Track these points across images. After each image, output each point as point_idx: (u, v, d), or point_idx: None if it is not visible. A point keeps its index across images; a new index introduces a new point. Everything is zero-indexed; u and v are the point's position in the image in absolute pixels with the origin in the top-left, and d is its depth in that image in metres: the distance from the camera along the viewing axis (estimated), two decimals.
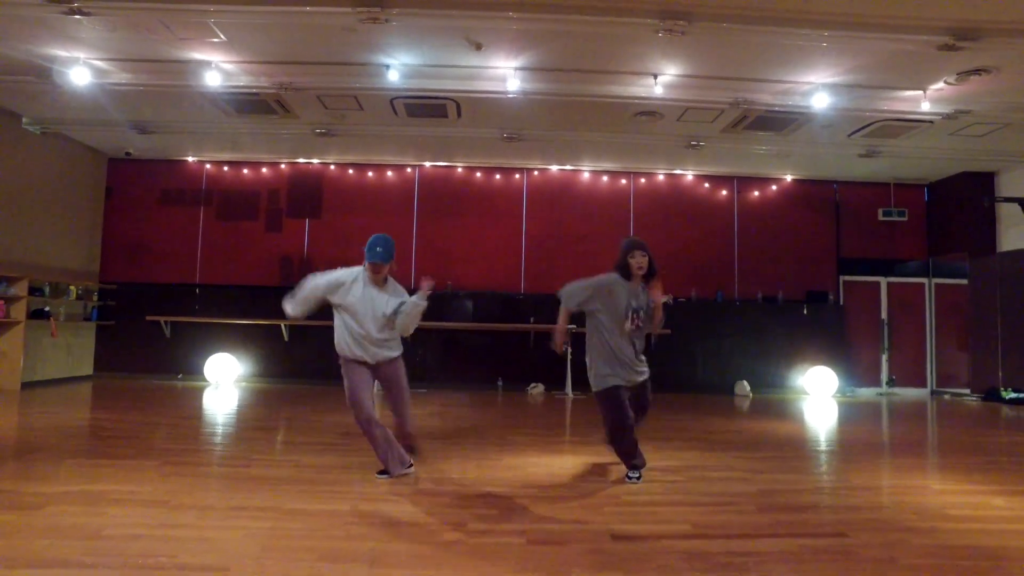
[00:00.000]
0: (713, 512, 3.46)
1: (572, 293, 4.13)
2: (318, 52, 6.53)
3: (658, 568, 2.63)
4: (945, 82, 6.68)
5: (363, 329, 3.97)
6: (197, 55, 6.58)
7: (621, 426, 4.03)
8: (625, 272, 4.03)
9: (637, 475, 4.10)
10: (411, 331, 4.13)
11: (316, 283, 4.06)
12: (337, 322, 4.07)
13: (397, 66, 6.69)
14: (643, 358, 4.19)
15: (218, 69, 6.75)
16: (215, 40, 6.21)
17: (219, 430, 5.85)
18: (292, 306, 4.05)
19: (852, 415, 7.93)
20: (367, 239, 4.07)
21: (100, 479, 3.83)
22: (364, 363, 4.05)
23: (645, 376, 4.19)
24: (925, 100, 6.96)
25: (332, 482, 3.93)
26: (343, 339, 4.03)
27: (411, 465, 4.15)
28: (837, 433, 6.53)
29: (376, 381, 4.15)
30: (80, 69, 6.65)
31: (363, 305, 3.97)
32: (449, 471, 4.30)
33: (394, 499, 3.58)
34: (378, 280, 4.05)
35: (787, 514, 3.47)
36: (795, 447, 5.62)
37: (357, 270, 4.09)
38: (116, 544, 2.74)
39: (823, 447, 5.77)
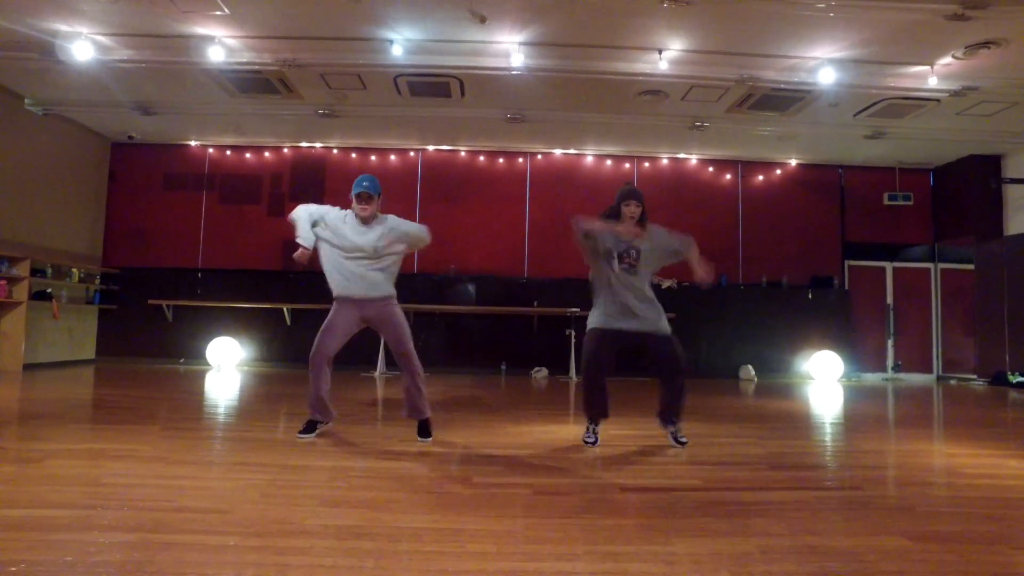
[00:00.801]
0: (724, 470, 3.41)
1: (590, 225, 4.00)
2: (321, 26, 6.49)
3: (667, 514, 2.57)
4: (953, 56, 6.61)
5: (351, 261, 3.97)
6: (200, 30, 6.53)
7: (587, 366, 4.00)
8: (616, 217, 3.99)
9: (592, 437, 4.02)
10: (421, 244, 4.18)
11: (307, 211, 4.04)
12: (324, 254, 4.04)
13: (400, 41, 6.65)
14: (654, 305, 4.05)
15: (221, 44, 6.71)
16: (218, 13, 6.17)
17: (221, 403, 5.80)
18: (301, 225, 3.99)
19: (858, 396, 7.87)
20: None
21: (101, 439, 3.79)
22: (353, 302, 4.02)
23: (656, 326, 3.99)
24: (932, 75, 6.89)
25: (335, 443, 3.89)
26: (330, 272, 4.03)
27: (328, 422, 4.16)
28: (844, 410, 6.46)
29: (378, 335, 4.12)
30: (83, 44, 6.61)
31: (351, 236, 3.98)
32: (453, 436, 4.25)
33: (397, 458, 3.53)
34: (367, 218, 4.03)
35: (799, 471, 3.41)
36: (802, 420, 5.57)
37: (346, 211, 4.09)
38: (116, 491, 2.69)
39: (830, 421, 5.71)
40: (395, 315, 4.08)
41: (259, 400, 6.10)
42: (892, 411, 6.57)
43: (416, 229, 4.15)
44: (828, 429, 5.18)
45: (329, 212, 4.06)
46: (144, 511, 2.43)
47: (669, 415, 4.10)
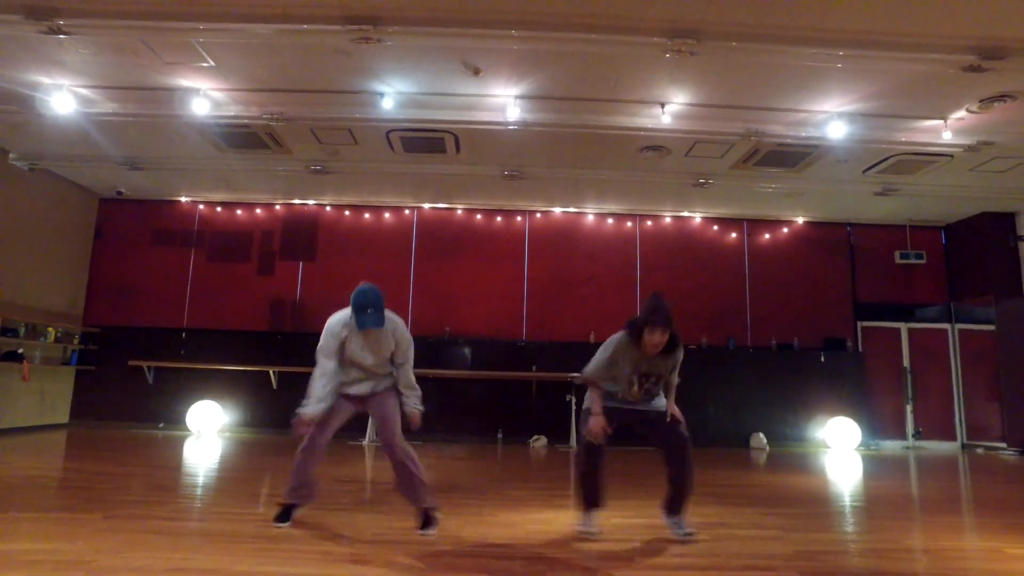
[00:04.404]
0: None
1: (597, 371, 3.58)
2: (310, 79, 6.26)
3: None
4: (967, 110, 6.35)
5: (361, 366, 3.63)
6: (185, 82, 6.32)
7: (587, 443, 3.54)
8: (636, 340, 3.47)
9: (589, 527, 3.60)
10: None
11: (328, 363, 3.59)
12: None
13: (392, 94, 6.42)
14: (658, 395, 3.69)
15: (206, 97, 6.48)
16: (203, 64, 5.95)
17: (186, 480, 5.24)
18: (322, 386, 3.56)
19: (882, 469, 7.26)
20: (360, 283, 3.55)
21: (15, 537, 3.23)
22: (350, 398, 3.68)
23: (657, 406, 3.62)
24: (946, 130, 6.61)
25: (298, 539, 3.34)
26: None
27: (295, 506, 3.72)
28: (871, 488, 5.86)
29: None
30: (64, 96, 6.39)
31: (362, 350, 3.60)
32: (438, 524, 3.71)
33: (363, 563, 2.99)
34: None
35: None
36: (826, 503, 4.99)
37: (345, 315, 3.57)
38: None
39: (858, 503, 5.12)
40: (392, 409, 3.72)
41: (230, 477, 5.54)
42: (925, 489, 5.96)
43: (408, 345, 3.72)
44: (857, 517, 4.59)
45: (342, 328, 3.55)
46: None
47: (677, 505, 3.61)
